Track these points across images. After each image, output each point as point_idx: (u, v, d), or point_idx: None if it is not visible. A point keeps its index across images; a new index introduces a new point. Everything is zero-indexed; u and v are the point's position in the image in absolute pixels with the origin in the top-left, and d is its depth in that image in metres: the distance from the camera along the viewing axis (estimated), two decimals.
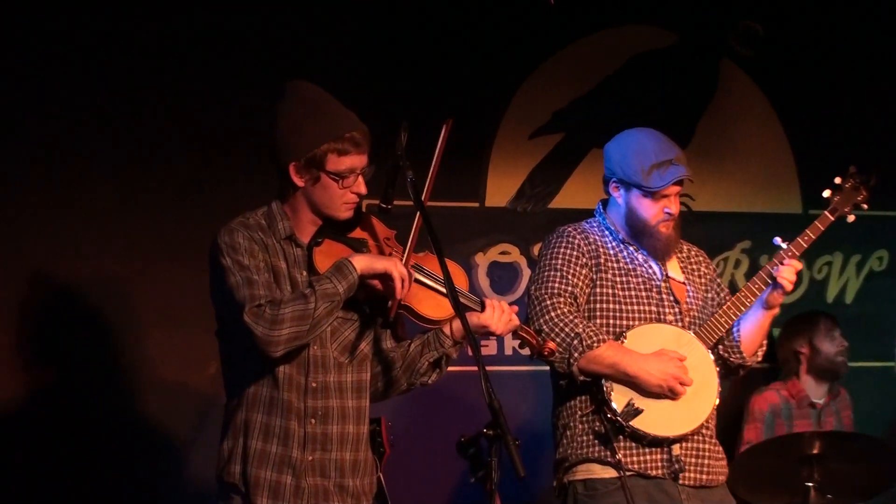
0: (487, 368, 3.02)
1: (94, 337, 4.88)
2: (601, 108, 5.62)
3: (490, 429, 3.05)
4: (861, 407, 5.65)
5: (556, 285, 3.97)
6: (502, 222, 5.56)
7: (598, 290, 4.02)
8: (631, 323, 3.99)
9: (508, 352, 5.43)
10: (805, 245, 4.09)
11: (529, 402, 4.92)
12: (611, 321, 4.00)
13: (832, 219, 4.16)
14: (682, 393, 3.90)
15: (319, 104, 3.34)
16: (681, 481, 3.92)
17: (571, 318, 3.91)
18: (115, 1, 4.97)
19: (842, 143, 5.69)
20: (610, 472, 3.88)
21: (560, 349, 3.84)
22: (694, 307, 4.09)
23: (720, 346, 4.12)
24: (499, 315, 3.39)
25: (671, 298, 4.06)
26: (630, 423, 3.87)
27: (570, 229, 4.09)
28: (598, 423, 3.92)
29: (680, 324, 4.03)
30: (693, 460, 3.95)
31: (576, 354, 3.86)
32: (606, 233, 4.10)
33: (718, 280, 4.28)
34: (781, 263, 4.06)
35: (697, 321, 4.07)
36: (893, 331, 6.02)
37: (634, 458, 3.90)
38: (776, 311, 4.12)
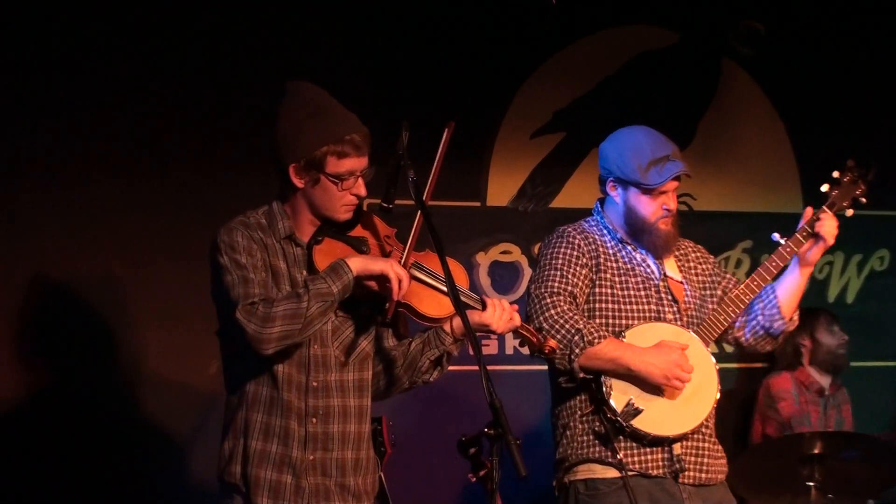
0: (488, 368, 3.02)
1: (94, 336, 4.89)
2: (602, 108, 5.63)
3: (491, 428, 3.05)
4: (862, 406, 5.66)
5: (556, 284, 3.97)
6: (503, 222, 5.57)
7: (597, 289, 4.02)
8: (630, 322, 3.99)
9: (510, 351, 5.44)
10: (803, 240, 4.09)
11: (530, 401, 4.92)
12: (610, 320, 4.00)
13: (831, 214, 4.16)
14: (688, 381, 3.90)
15: (320, 105, 3.34)
16: (681, 480, 3.92)
17: (571, 315, 3.91)
18: (115, 1, 4.97)
19: (843, 142, 5.68)
20: (611, 472, 3.88)
21: (561, 346, 3.85)
22: (692, 306, 4.10)
23: (759, 317, 4.13)
24: (499, 313, 3.39)
25: (669, 297, 4.06)
26: (630, 422, 3.87)
27: (569, 229, 4.09)
28: (597, 423, 3.92)
29: (679, 323, 4.03)
30: (693, 459, 3.96)
31: (577, 350, 3.86)
32: (605, 232, 4.10)
33: (723, 270, 4.27)
34: (781, 256, 4.08)
35: (696, 320, 4.08)
36: (894, 331, 6.02)
37: (635, 458, 3.90)
38: (812, 268, 4.14)
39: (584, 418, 3.96)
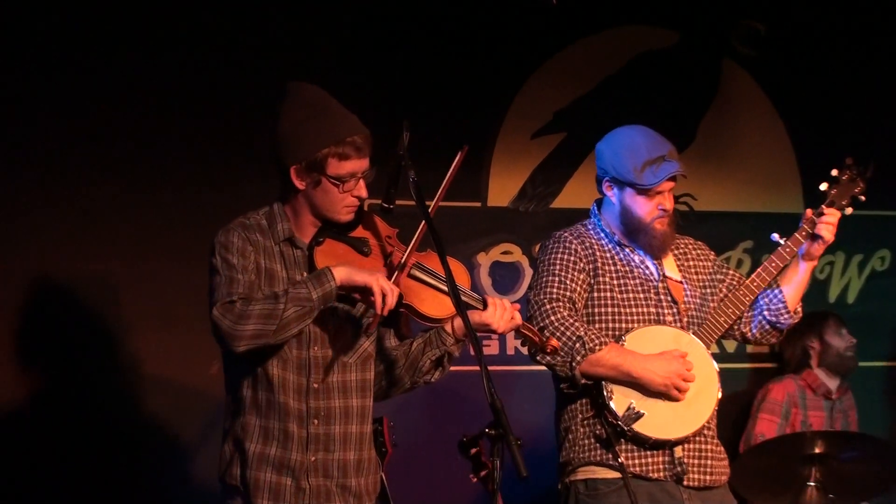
0: (489, 368, 3.02)
1: (94, 337, 4.89)
2: (603, 108, 5.63)
3: (492, 428, 3.05)
4: (863, 406, 5.67)
5: (555, 290, 3.97)
6: (504, 222, 5.57)
7: (596, 294, 4.02)
8: (630, 325, 3.99)
9: (511, 351, 5.44)
10: (803, 240, 4.09)
11: (531, 401, 4.93)
12: (610, 324, 4.00)
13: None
14: (687, 389, 3.91)
15: (321, 107, 3.34)
16: (685, 483, 3.93)
17: (572, 321, 3.92)
18: (116, 1, 4.97)
19: (844, 142, 5.68)
20: (612, 473, 3.89)
21: (561, 353, 3.85)
22: (692, 306, 4.10)
23: (765, 311, 4.15)
24: (501, 313, 3.39)
25: (669, 299, 4.06)
26: (631, 426, 3.87)
27: (566, 234, 4.09)
28: (599, 427, 3.93)
29: (678, 324, 4.03)
30: (695, 462, 3.96)
31: (578, 358, 3.87)
32: (602, 235, 4.10)
33: (724, 267, 4.26)
34: (781, 257, 4.09)
35: (696, 320, 4.08)
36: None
37: (636, 461, 3.91)
38: (816, 262, 4.16)
39: (586, 422, 3.97)
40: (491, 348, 5.41)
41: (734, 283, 4.17)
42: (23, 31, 4.85)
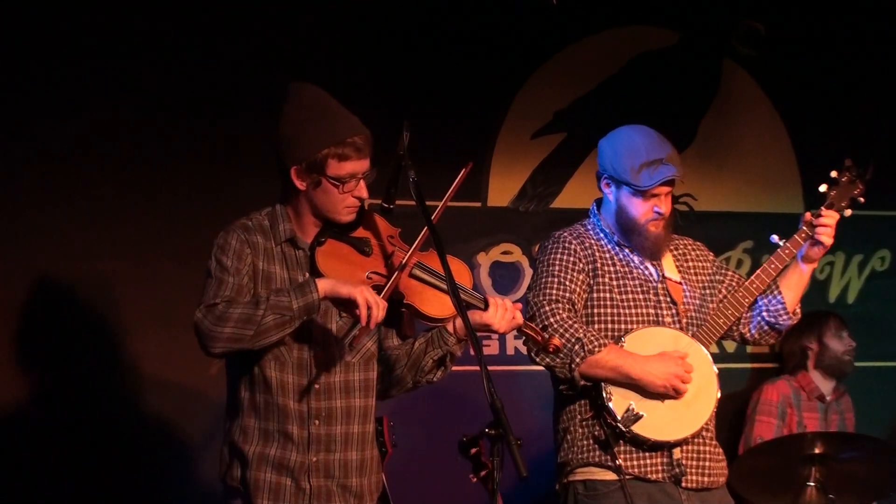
0: (489, 368, 3.03)
1: (94, 337, 4.89)
2: (603, 108, 5.63)
3: (492, 428, 3.05)
4: (862, 407, 5.67)
5: (555, 292, 3.98)
6: (504, 222, 5.57)
7: (595, 294, 4.03)
8: (629, 326, 3.99)
9: (511, 351, 5.44)
10: (802, 242, 4.10)
11: (531, 401, 4.93)
12: (609, 325, 4.01)
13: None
14: (686, 391, 3.91)
15: (322, 108, 3.35)
16: (683, 485, 3.93)
17: (571, 323, 3.92)
18: (116, 1, 4.97)
19: (844, 142, 5.69)
20: (610, 475, 3.90)
21: (562, 353, 3.86)
22: (691, 307, 4.10)
23: (764, 312, 4.15)
24: (502, 313, 3.39)
25: (668, 300, 4.07)
26: (630, 428, 3.88)
27: (566, 234, 4.09)
28: (597, 429, 3.94)
29: (677, 325, 4.04)
30: (694, 463, 3.96)
31: (577, 360, 3.87)
32: (602, 235, 4.10)
33: (724, 268, 4.27)
34: (780, 259, 4.09)
35: (695, 321, 4.09)
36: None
37: (634, 462, 3.91)
38: (816, 264, 4.17)
39: (585, 423, 3.97)
40: (491, 348, 5.41)
41: (733, 284, 4.18)
42: (22, 31, 4.85)
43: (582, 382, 3.90)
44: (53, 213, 4.86)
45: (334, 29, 5.27)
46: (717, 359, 4.07)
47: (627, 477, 3.86)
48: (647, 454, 3.92)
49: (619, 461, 3.87)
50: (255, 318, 3.19)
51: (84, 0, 4.92)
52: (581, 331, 3.89)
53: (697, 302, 4.12)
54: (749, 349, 5.81)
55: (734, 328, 4.17)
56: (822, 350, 5.51)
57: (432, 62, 5.39)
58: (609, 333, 3.98)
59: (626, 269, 4.06)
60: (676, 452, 3.94)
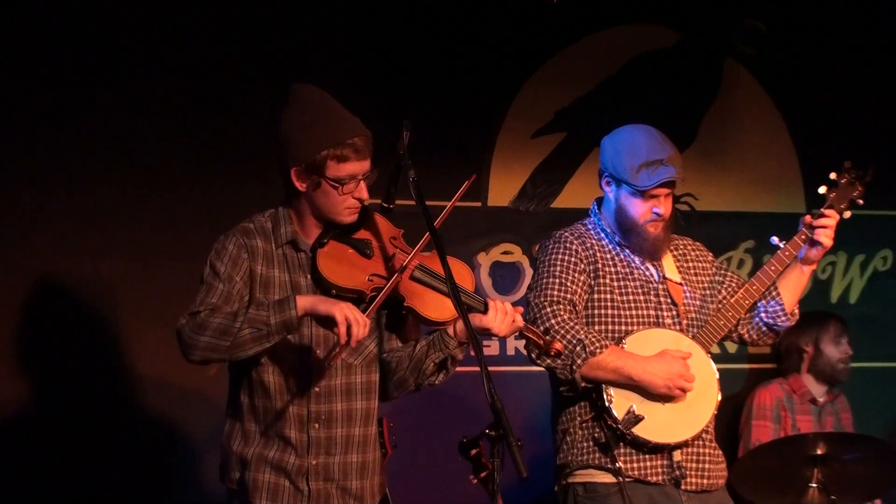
0: (490, 369, 3.03)
1: (92, 337, 4.89)
2: (604, 108, 5.63)
3: (492, 429, 3.05)
4: (864, 408, 5.66)
5: (555, 293, 3.98)
6: (504, 222, 5.57)
7: (595, 295, 4.03)
8: (630, 328, 4.00)
9: (511, 352, 5.44)
10: (801, 244, 4.10)
11: (532, 402, 4.93)
12: (609, 326, 4.01)
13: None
14: (689, 390, 3.91)
15: (321, 109, 3.35)
16: (683, 487, 3.93)
17: (572, 324, 3.92)
18: (116, 2, 4.97)
19: (846, 142, 5.70)
20: (610, 477, 3.90)
21: (563, 355, 3.85)
22: (692, 308, 4.10)
23: (762, 314, 4.15)
24: (501, 317, 3.39)
25: (669, 301, 4.07)
26: (631, 430, 3.88)
27: (566, 234, 4.09)
28: (598, 430, 3.94)
29: (678, 327, 4.04)
30: (694, 465, 3.97)
31: (578, 361, 3.87)
32: (602, 235, 4.10)
33: (723, 268, 4.27)
34: (780, 260, 4.09)
35: (696, 323, 4.09)
36: None
37: (634, 465, 3.92)
38: (815, 266, 4.17)
39: (585, 425, 3.97)
40: (491, 349, 5.41)
41: (733, 285, 4.18)
42: (21, 31, 4.86)
43: (583, 384, 3.91)
44: (52, 212, 4.87)
45: (335, 29, 5.27)
46: (717, 359, 4.08)
47: (627, 480, 3.87)
48: (647, 456, 3.92)
49: (620, 463, 3.87)
50: (231, 330, 3.20)
51: (83, 1, 4.92)
52: (582, 332, 3.89)
53: (698, 303, 4.12)
54: (751, 350, 5.81)
55: (733, 329, 4.18)
56: (817, 355, 5.46)
57: (432, 61, 5.40)
58: (610, 334, 3.98)
59: (627, 269, 4.06)
60: (677, 455, 3.94)
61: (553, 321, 3.91)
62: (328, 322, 3.21)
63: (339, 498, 3.39)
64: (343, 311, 3.17)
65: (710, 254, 4.30)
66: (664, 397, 3.92)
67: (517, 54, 5.54)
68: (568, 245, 4.04)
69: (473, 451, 3.25)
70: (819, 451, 4.38)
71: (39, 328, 4.83)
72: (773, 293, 4.15)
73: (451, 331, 3.41)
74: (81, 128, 4.90)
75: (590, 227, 4.14)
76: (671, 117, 5.37)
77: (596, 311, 4.02)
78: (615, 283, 4.03)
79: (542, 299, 3.97)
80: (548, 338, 3.60)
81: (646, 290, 4.05)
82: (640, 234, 4.03)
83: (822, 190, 4.18)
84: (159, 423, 4.88)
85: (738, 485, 4.36)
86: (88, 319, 4.88)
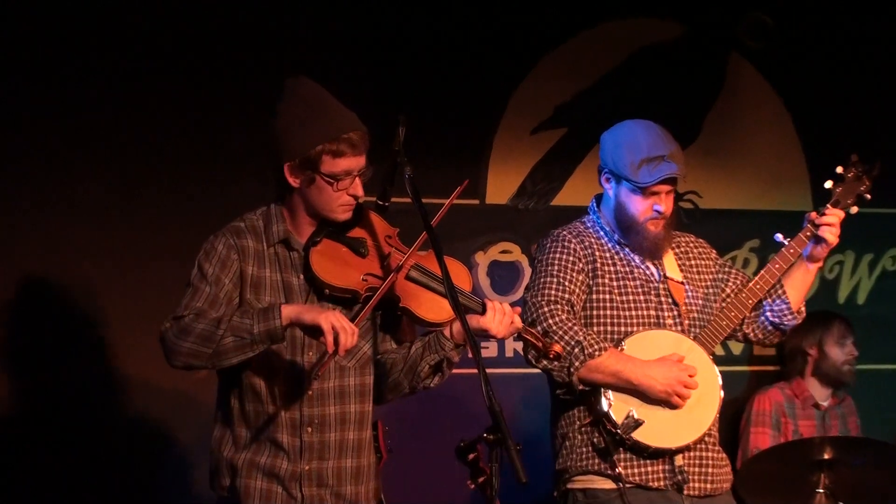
0: (488, 371, 3.02)
1: (79, 339, 4.89)
2: (605, 103, 5.62)
3: (490, 433, 3.05)
4: (872, 411, 5.65)
5: (553, 292, 3.97)
6: (503, 220, 5.56)
7: (594, 296, 4.01)
8: (629, 329, 3.98)
9: (509, 354, 5.43)
10: (807, 241, 4.08)
11: (531, 405, 4.92)
12: (609, 328, 3.99)
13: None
14: (689, 396, 3.90)
15: (317, 103, 3.34)
16: (686, 492, 3.93)
17: (570, 325, 3.91)
18: None
19: (853, 139, 5.69)
20: (611, 483, 3.89)
21: (561, 357, 3.84)
22: (694, 308, 4.09)
23: (768, 312, 4.14)
24: (500, 318, 3.37)
25: (670, 301, 4.05)
26: (630, 435, 3.87)
27: (565, 233, 4.08)
28: (597, 435, 3.93)
29: (679, 327, 4.03)
30: (697, 470, 3.96)
31: (577, 363, 3.86)
32: (602, 234, 4.09)
33: (727, 266, 4.25)
34: (785, 258, 4.08)
35: (698, 323, 4.07)
36: None
37: (635, 470, 3.91)
38: (821, 263, 4.15)
39: (584, 429, 3.96)
40: (489, 350, 5.40)
41: (738, 283, 4.16)
42: (13, 27, 4.85)
43: (581, 387, 3.90)
44: (38, 214, 4.86)
45: (331, 24, 5.26)
46: (719, 361, 4.07)
47: (629, 485, 3.86)
48: (648, 461, 3.91)
49: (620, 469, 3.86)
50: (214, 337, 3.18)
51: None
52: (581, 334, 3.88)
53: (700, 302, 4.11)
54: (756, 350, 5.80)
55: (738, 329, 4.17)
56: (821, 357, 5.43)
57: (429, 55, 5.39)
58: (609, 336, 3.97)
59: (627, 269, 4.05)
60: (678, 459, 3.93)
61: (550, 321, 3.90)
62: (314, 331, 3.18)
63: (332, 503, 3.38)
64: (329, 320, 3.14)
65: (714, 251, 4.29)
66: (664, 401, 3.90)
67: (517, 47, 5.53)
68: (566, 244, 4.03)
69: (471, 456, 3.25)
70: (826, 456, 4.38)
71: (24, 328, 4.82)
72: (779, 291, 4.14)
73: (447, 332, 3.39)
74: (66, 126, 4.88)
75: (588, 225, 4.13)
76: (674, 113, 5.37)
77: (595, 312, 4.01)
78: (614, 283, 4.02)
79: (540, 299, 3.96)
80: (546, 340, 3.59)
81: (646, 289, 4.03)
82: (640, 233, 4.02)
83: (827, 185, 4.15)
84: (147, 427, 4.87)
85: (742, 490, 4.36)
86: (74, 320, 4.88)
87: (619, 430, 3.87)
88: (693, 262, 4.18)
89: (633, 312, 4.00)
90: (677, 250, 4.18)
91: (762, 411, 5.39)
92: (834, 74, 5.92)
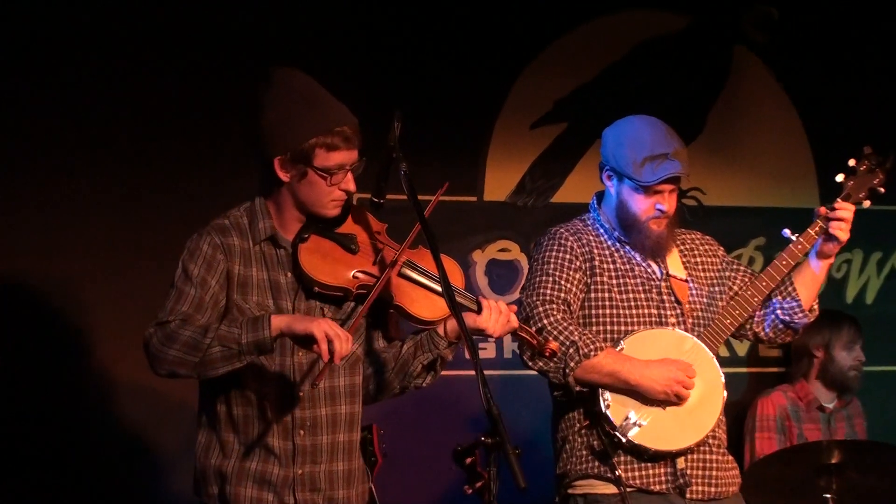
0: (486, 372, 3.01)
1: (66, 341, 4.89)
2: (606, 97, 5.62)
3: (488, 436, 3.04)
4: (880, 413, 5.65)
5: (549, 291, 3.96)
6: (501, 217, 5.56)
7: (593, 294, 4.01)
8: (629, 328, 3.98)
9: (508, 355, 5.43)
10: (816, 237, 4.07)
11: (530, 408, 4.92)
12: (608, 327, 3.99)
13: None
14: (688, 397, 3.89)
15: (309, 95, 3.32)
16: (688, 496, 3.92)
17: (566, 325, 3.90)
18: None
19: (862, 132, 5.66)
20: (612, 488, 3.88)
21: (556, 357, 3.84)
22: (698, 306, 4.08)
23: (778, 310, 4.12)
24: (496, 316, 3.37)
25: (672, 299, 4.05)
26: (629, 436, 3.86)
27: (562, 230, 4.08)
28: (595, 438, 3.93)
29: (682, 326, 4.02)
30: (700, 472, 3.95)
31: (572, 364, 3.86)
32: (601, 231, 4.08)
33: (734, 263, 4.24)
34: (792, 255, 4.07)
35: (702, 321, 4.06)
36: None
37: (636, 473, 3.90)
38: (832, 259, 4.13)
39: (583, 432, 3.96)
40: (487, 351, 5.40)
41: (745, 281, 4.15)
42: (4, 29, 4.84)
43: (577, 388, 3.89)
44: (23, 213, 4.86)
45: (327, 17, 5.25)
46: (725, 362, 4.06)
47: (629, 489, 3.85)
48: (648, 465, 3.91)
49: (619, 472, 3.85)
50: (201, 346, 3.15)
51: None
52: (576, 333, 3.88)
53: (705, 301, 4.10)
54: (758, 351, 5.80)
55: (748, 327, 4.16)
56: (828, 361, 5.41)
57: (425, 48, 5.38)
58: (608, 335, 3.96)
59: (627, 266, 4.04)
60: (680, 462, 3.93)
61: (545, 321, 3.90)
62: (307, 341, 3.14)
63: None
64: (322, 328, 3.11)
65: (721, 248, 4.28)
66: (664, 402, 3.90)
67: (516, 40, 5.53)
68: (563, 241, 4.03)
69: (468, 460, 3.24)
70: (834, 460, 4.37)
71: (7, 331, 4.81)
72: (789, 289, 4.13)
73: (441, 330, 3.39)
74: (53, 125, 4.88)
75: (589, 222, 4.12)
76: (678, 107, 5.39)
77: (593, 311, 4.00)
78: (613, 282, 4.01)
79: (535, 298, 3.95)
80: (541, 338, 3.59)
81: (647, 287, 4.03)
82: (642, 232, 4.01)
83: (839, 178, 4.12)
84: (133, 430, 4.87)
85: (748, 495, 4.35)
86: (59, 323, 4.87)
87: (617, 432, 3.87)
88: (698, 260, 4.17)
89: (634, 311, 4.00)
90: (682, 247, 4.17)
91: (767, 416, 5.38)
92: (841, 67, 5.92)
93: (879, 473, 4.45)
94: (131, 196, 4.97)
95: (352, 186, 3.33)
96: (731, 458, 4.07)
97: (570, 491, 3.96)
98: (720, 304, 4.12)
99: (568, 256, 4.01)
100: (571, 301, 3.98)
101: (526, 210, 5.60)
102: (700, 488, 3.94)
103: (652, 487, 3.90)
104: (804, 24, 5.90)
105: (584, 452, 3.94)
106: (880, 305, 6.00)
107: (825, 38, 5.91)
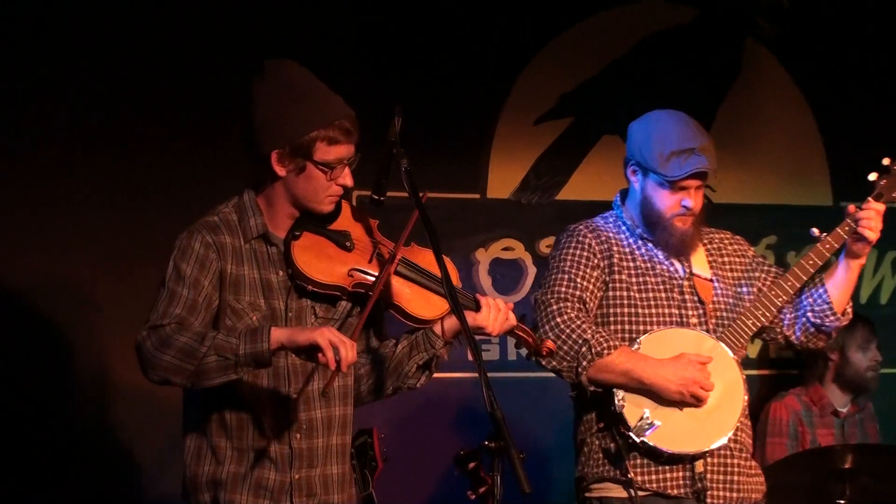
0: (489, 374, 3.01)
1: (59, 342, 4.89)
2: (613, 91, 5.62)
3: (492, 441, 3.03)
4: (893, 417, 5.64)
5: (563, 289, 3.96)
6: (505, 215, 5.56)
7: (611, 293, 4.00)
8: (648, 328, 3.96)
9: (512, 356, 5.42)
10: (845, 236, 4.04)
11: (536, 411, 4.92)
12: (626, 326, 3.98)
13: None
14: (705, 397, 3.88)
15: (307, 87, 3.31)
16: (707, 500, 3.90)
17: (579, 323, 3.90)
18: None
19: (876, 129, 5.68)
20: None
21: (567, 357, 3.83)
22: (722, 306, 4.06)
23: (809, 313, 4.09)
24: (495, 314, 3.38)
25: (695, 299, 4.03)
26: (644, 438, 3.85)
27: (580, 227, 4.07)
28: (610, 440, 3.92)
29: (704, 327, 4.00)
30: (720, 477, 3.93)
31: (584, 363, 3.85)
32: (623, 228, 4.07)
33: (764, 264, 4.21)
34: (820, 254, 4.04)
35: (725, 322, 4.04)
36: None
37: (652, 476, 3.89)
38: (863, 260, 4.09)
39: (600, 434, 3.95)
40: (491, 353, 5.38)
41: (768, 281, 4.13)
42: (4, 29, 4.85)
43: (591, 388, 3.88)
44: (20, 214, 4.86)
45: (328, 13, 5.26)
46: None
47: (646, 493, 3.84)
48: (665, 468, 3.89)
49: (632, 475, 3.84)
50: (197, 354, 3.12)
51: None
52: (589, 332, 3.87)
53: (731, 301, 4.08)
54: (770, 353, 5.79)
55: (778, 330, 4.13)
56: (844, 363, 5.40)
57: (428, 41, 5.38)
58: (626, 335, 3.96)
59: (648, 265, 4.03)
60: (699, 465, 3.91)
61: (558, 319, 3.89)
62: (311, 350, 3.12)
63: None
64: (326, 336, 3.09)
65: (752, 248, 4.26)
66: (681, 403, 3.89)
67: (520, 33, 5.53)
68: (580, 238, 4.03)
69: (471, 465, 3.24)
70: (847, 465, 4.37)
71: (4, 332, 4.81)
72: (820, 290, 4.10)
73: (437, 329, 3.38)
74: (49, 125, 4.90)
75: (610, 219, 4.12)
76: (687, 101, 5.31)
77: (611, 311, 4.00)
78: (633, 280, 4.00)
79: (549, 296, 3.95)
80: (538, 336, 3.58)
81: (668, 286, 4.01)
82: (667, 229, 4.01)
83: (871, 177, 4.06)
84: (127, 433, 4.88)
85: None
86: (52, 324, 4.88)
87: (632, 433, 3.85)
88: (726, 259, 4.15)
89: (653, 310, 3.99)
90: (709, 246, 4.15)
91: (779, 420, 5.37)
92: (855, 60, 5.92)
93: (893, 478, 4.44)
94: (131, 196, 4.98)
95: (349, 181, 3.32)
96: (754, 463, 4.04)
97: (587, 494, 3.97)
98: (747, 304, 4.09)
99: (585, 254, 4.01)
100: (588, 299, 3.97)
101: (530, 208, 5.60)
102: (720, 493, 3.92)
103: (669, 491, 3.89)
104: (817, 16, 5.90)
105: (600, 455, 3.94)
106: (894, 305, 5.99)
107: (838, 31, 5.91)
